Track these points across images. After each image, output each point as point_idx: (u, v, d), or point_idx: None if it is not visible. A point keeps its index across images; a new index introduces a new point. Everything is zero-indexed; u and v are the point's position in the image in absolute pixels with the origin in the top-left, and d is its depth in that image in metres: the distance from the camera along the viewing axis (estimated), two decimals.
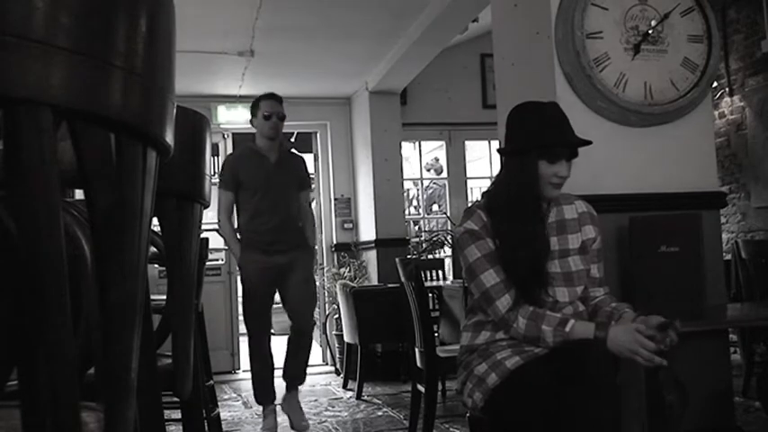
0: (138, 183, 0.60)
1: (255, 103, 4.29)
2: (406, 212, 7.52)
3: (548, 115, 2.19)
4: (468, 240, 2.14)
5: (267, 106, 4.22)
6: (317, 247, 4.36)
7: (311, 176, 4.53)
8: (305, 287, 4.20)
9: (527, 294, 2.10)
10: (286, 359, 4.23)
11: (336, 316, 6.18)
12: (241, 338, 7.04)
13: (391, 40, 5.72)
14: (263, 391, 4.16)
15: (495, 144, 5.39)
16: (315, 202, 6.95)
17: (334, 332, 6.37)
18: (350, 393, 5.29)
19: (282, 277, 4.17)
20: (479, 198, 2.41)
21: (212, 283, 6.22)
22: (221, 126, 6.89)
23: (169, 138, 0.63)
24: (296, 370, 4.22)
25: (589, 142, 2.19)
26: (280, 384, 4.21)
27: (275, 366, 4.21)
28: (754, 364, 4.24)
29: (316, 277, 4.83)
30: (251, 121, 4.32)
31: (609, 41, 2.88)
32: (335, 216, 7.13)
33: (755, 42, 5.57)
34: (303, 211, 4.35)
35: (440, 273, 5.83)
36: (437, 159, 9.16)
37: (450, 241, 6.31)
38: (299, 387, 4.28)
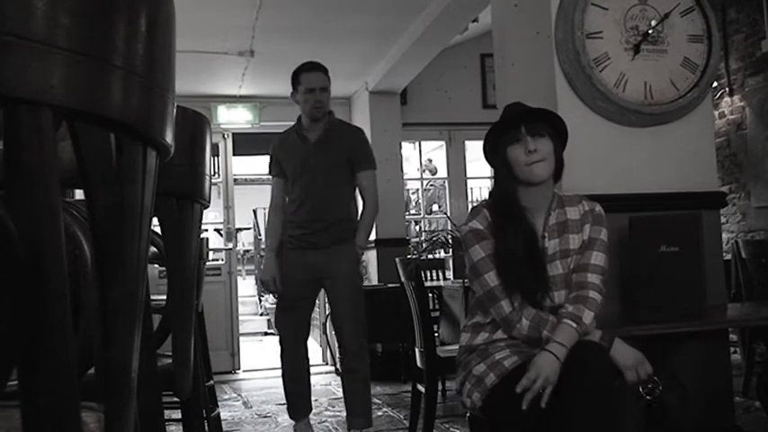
0: (138, 183, 0.60)
1: (295, 75, 3.59)
2: (406, 213, 7.52)
3: (505, 109, 2.29)
4: (472, 240, 2.14)
5: (309, 79, 3.51)
6: (368, 245, 3.54)
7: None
8: (344, 294, 3.59)
9: (528, 298, 2.09)
10: (343, 393, 3.75)
11: None
12: (241, 339, 7.04)
13: (391, 40, 5.72)
14: (293, 406, 3.73)
15: None
16: None
17: (334, 332, 6.37)
18: None
19: (321, 282, 3.61)
20: (485, 198, 2.41)
21: (212, 283, 6.22)
22: (221, 126, 6.90)
23: (169, 138, 0.63)
24: (356, 408, 3.64)
25: (537, 109, 2.23)
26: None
27: (310, 375, 3.78)
28: (754, 364, 4.24)
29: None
30: (291, 95, 3.64)
31: (609, 41, 2.88)
32: None
33: (755, 42, 5.57)
34: (367, 195, 3.61)
35: (440, 273, 5.83)
36: (430, 160, 9.19)
37: (450, 241, 6.31)
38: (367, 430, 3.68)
